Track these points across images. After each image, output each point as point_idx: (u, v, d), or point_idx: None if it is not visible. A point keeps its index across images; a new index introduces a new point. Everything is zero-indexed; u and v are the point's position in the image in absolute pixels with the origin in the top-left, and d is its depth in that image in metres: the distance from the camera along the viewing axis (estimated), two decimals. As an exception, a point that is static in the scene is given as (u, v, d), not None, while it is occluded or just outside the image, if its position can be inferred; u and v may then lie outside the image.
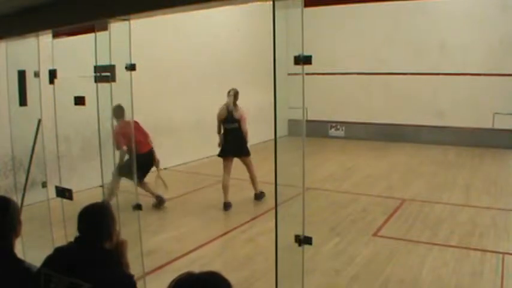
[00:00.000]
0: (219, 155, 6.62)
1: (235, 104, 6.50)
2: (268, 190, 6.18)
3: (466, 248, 4.70)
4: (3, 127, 4.43)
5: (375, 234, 5.16)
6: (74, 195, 3.58)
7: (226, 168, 6.50)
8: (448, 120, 10.89)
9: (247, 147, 6.53)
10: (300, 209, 2.57)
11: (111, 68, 3.19)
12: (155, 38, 7.85)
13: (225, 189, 6.38)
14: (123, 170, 5.47)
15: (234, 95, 6.50)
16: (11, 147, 4.67)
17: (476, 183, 7.46)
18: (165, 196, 6.40)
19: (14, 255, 2.14)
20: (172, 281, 1.29)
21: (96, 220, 2.05)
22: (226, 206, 6.27)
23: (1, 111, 4.51)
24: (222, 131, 6.57)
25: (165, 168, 8.50)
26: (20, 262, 2.14)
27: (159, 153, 8.35)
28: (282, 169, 2.59)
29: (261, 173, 6.46)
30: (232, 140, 6.46)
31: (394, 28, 11.09)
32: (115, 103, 3.22)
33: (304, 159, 2.60)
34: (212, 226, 5.48)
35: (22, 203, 4.44)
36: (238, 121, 6.46)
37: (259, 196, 6.56)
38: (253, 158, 6.55)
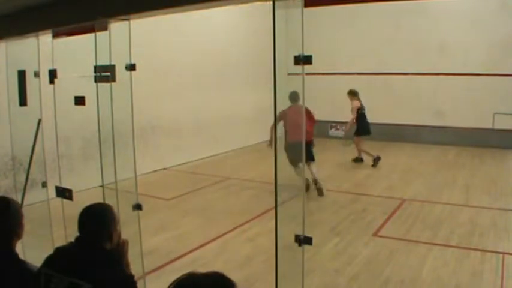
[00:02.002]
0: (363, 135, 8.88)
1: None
2: (269, 189, 6.17)
3: (466, 248, 4.70)
4: (3, 127, 4.42)
5: (375, 234, 5.16)
6: (74, 195, 3.58)
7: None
8: (448, 120, 10.88)
9: None
10: (300, 209, 2.57)
11: (111, 68, 3.18)
12: (155, 38, 7.84)
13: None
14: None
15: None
16: (11, 147, 4.67)
17: (476, 183, 7.46)
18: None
19: (14, 256, 2.14)
20: (173, 282, 1.25)
21: (97, 220, 2.05)
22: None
23: (1, 111, 4.51)
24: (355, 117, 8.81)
25: (164, 169, 8.53)
26: (21, 263, 2.14)
27: (158, 153, 8.38)
28: (282, 169, 2.59)
29: (261, 172, 6.47)
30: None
31: (394, 28, 11.08)
32: (115, 103, 3.21)
33: (304, 159, 2.60)
34: (212, 226, 5.48)
35: (22, 203, 4.44)
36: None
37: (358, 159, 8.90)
38: (253, 157, 6.56)
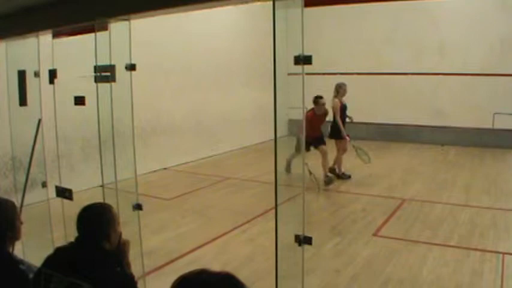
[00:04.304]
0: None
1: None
2: (269, 190, 6.18)
3: (466, 248, 4.70)
4: (3, 127, 4.42)
5: (375, 234, 5.16)
6: (74, 195, 3.58)
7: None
8: (448, 120, 10.88)
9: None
10: (300, 209, 2.57)
11: (111, 68, 3.18)
12: (155, 38, 7.85)
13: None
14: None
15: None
16: (11, 147, 4.67)
17: (476, 183, 7.46)
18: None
19: (10, 256, 2.12)
20: (179, 277, 1.24)
21: (96, 221, 2.05)
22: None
23: (1, 111, 4.51)
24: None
25: (164, 169, 8.53)
26: (19, 263, 2.13)
27: (158, 153, 8.39)
28: (282, 169, 2.59)
29: (261, 172, 6.47)
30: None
31: (394, 28, 11.09)
32: (115, 103, 3.22)
33: (304, 159, 2.60)
34: (212, 226, 5.48)
35: (22, 203, 4.45)
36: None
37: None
38: (253, 157, 6.55)
